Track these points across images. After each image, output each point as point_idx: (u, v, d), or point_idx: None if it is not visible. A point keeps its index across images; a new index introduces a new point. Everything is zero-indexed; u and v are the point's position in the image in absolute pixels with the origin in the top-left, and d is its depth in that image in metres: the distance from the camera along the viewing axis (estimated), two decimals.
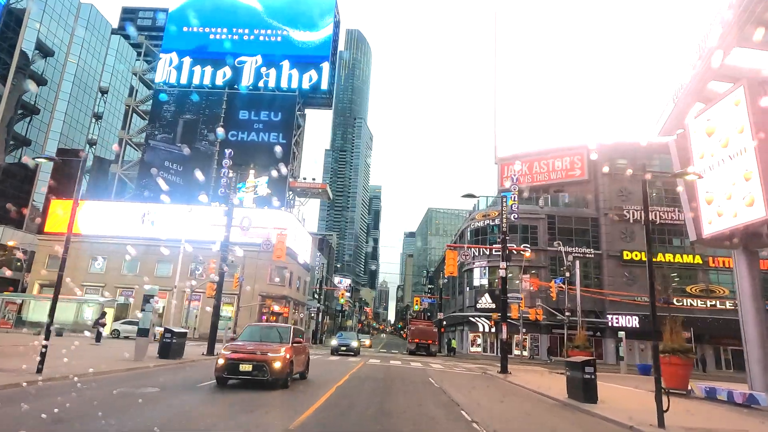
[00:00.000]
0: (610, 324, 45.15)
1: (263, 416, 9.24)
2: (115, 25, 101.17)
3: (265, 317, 47.23)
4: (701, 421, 11.43)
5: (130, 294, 46.21)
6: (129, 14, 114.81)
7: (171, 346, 17.82)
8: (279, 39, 70.37)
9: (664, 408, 9.50)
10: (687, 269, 46.74)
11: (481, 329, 48.58)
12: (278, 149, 66.66)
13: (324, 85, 68.62)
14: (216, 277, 29.78)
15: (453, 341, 43.20)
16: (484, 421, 9.73)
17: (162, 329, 20.91)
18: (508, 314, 25.28)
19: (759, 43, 15.19)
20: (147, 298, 18.79)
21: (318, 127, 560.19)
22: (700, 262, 46.19)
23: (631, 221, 47.54)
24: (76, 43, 69.88)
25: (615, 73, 48.88)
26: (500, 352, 22.87)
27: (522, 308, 41.77)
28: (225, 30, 70.78)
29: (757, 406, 14.34)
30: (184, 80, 68.58)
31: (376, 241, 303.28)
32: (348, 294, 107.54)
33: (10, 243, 55.28)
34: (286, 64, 68.77)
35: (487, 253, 48.85)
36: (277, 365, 11.99)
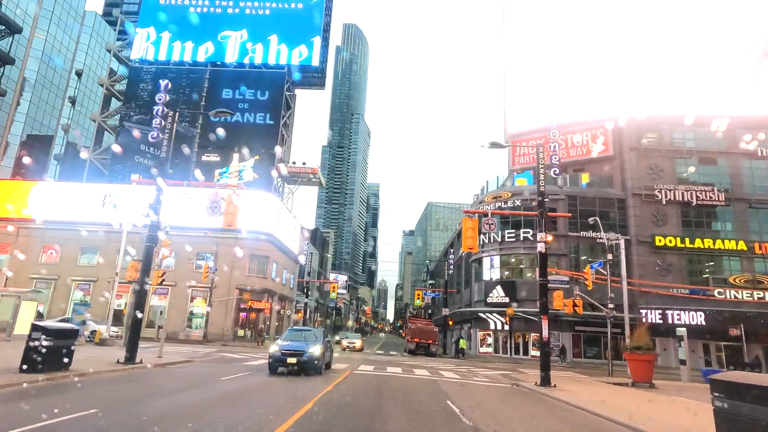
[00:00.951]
0: (644, 320, 38.46)
1: None
2: (100, 11, 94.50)
3: (245, 315, 40.53)
4: None
5: (87, 289, 39.41)
6: None
7: (46, 354, 11.14)
8: (267, 12, 63.72)
9: None
10: (729, 256, 40.14)
11: (492, 326, 41.93)
12: (265, 131, 60.26)
13: (315, 62, 62.01)
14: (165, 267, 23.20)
15: (462, 341, 36.60)
16: None
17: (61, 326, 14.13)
18: (549, 304, 18.56)
19: None
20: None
21: (317, 125, 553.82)
22: (745, 248, 39.56)
23: (664, 202, 40.88)
24: (44, 17, 63.17)
25: (642, 41, 42.13)
26: (541, 357, 16.21)
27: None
28: (207, 2, 64.08)
29: None
30: (162, 57, 61.98)
31: (374, 239, 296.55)
32: (344, 291, 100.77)
33: None
34: (274, 38, 62.18)
35: (499, 239, 42.20)
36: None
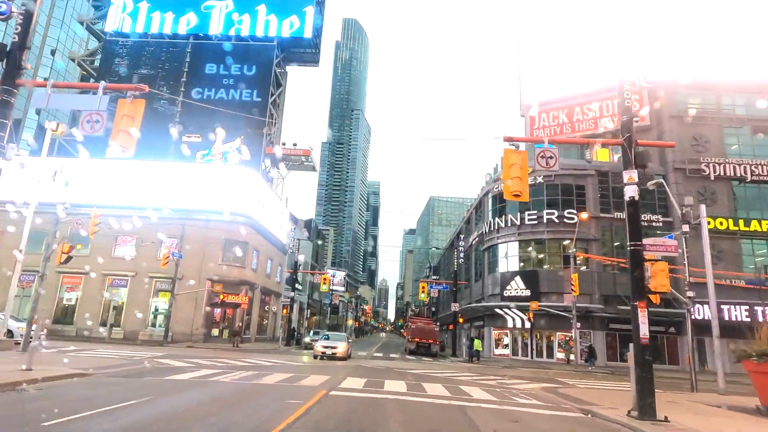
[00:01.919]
0: (693, 315, 31.83)
1: None
2: None
3: (218, 311, 34.01)
4: None
5: (31, 280, 32.85)
6: None
7: None
8: None
9: None
10: None
11: (510, 324, 35.34)
12: (253, 109, 53.82)
13: (308, 33, 55.48)
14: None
15: (477, 341, 30.02)
16: None
17: None
18: (646, 286, 11.72)
19: None
20: None
21: (316, 123, 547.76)
22: None
23: (712, 178, 34.33)
24: None
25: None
26: (636, 368, 9.58)
27: (576, 293, 28.55)
28: None
29: None
30: (140, 29, 55.41)
31: (375, 238, 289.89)
32: (342, 288, 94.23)
33: None
34: (262, 8, 55.69)
35: (518, 222, 35.60)
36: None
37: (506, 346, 36.70)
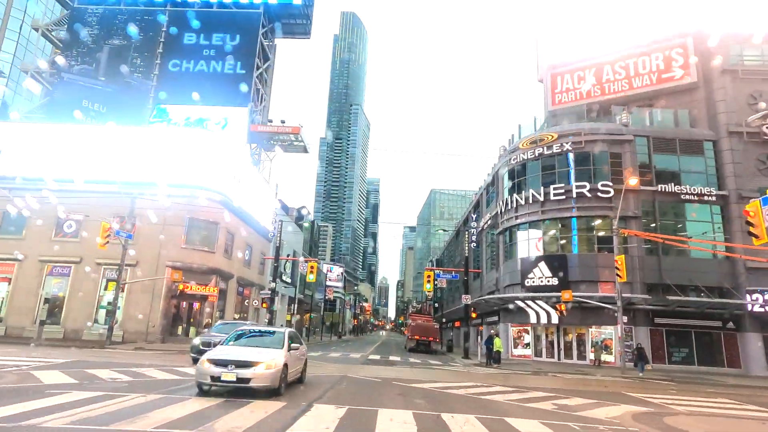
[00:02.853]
0: (750, 308, 25.85)
1: None
2: None
3: (185, 305, 27.99)
4: None
5: None
6: None
7: None
8: None
9: None
10: None
11: (533, 319, 29.26)
12: (235, 83, 47.86)
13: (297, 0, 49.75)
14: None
15: (497, 340, 23.87)
16: None
17: None
18: None
19: None
20: None
21: (315, 119, 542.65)
22: None
23: None
24: None
25: None
26: None
27: (623, 279, 22.44)
28: None
29: None
30: None
31: (374, 236, 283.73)
32: (339, 284, 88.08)
33: None
34: None
35: (541, 198, 29.50)
36: None
37: (527, 345, 30.60)
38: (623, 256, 22.65)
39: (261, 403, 8.48)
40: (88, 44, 49.35)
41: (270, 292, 30.01)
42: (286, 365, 9.84)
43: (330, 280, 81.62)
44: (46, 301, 26.02)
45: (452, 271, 36.63)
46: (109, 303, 25.17)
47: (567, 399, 11.81)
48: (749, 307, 25.95)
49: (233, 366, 8.94)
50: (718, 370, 26.17)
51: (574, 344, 28.64)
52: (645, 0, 33.28)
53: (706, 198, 27.99)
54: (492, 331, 28.43)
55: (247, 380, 8.88)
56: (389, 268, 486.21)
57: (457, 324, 53.23)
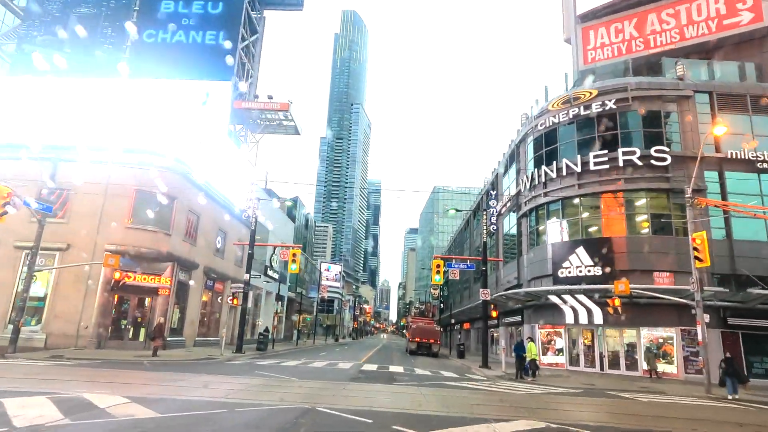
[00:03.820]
0: None
1: None
2: None
3: (131, 299, 22.13)
4: None
5: None
6: None
7: None
8: None
9: None
10: None
11: (570, 318, 23.34)
12: (218, 55, 42.37)
13: None
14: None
15: (531, 345, 17.89)
16: None
17: None
18: None
19: None
20: None
21: (315, 118, 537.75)
22: None
23: None
24: None
25: None
26: None
27: (705, 263, 16.48)
28: None
29: None
30: None
31: (375, 237, 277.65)
32: (337, 284, 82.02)
33: None
34: None
35: (578, 168, 23.59)
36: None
37: (559, 351, 24.59)
38: (704, 232, 16.68)
39: None
40: (52, 12, 43.96)
41: (243, 285, 24.06)
42: None
43: (327, 279, 75.69)
44: None
45: (467, 260, 30.59)
46: (40, 297, 19.33)
47: None
48: None
49: None
50: None
51: (622, 351, 22.61)
52: None
53: None
54: (524, 337, 22.41)
55: None
56: (391, 272, 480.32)
57: (466, 326, 47.14)
